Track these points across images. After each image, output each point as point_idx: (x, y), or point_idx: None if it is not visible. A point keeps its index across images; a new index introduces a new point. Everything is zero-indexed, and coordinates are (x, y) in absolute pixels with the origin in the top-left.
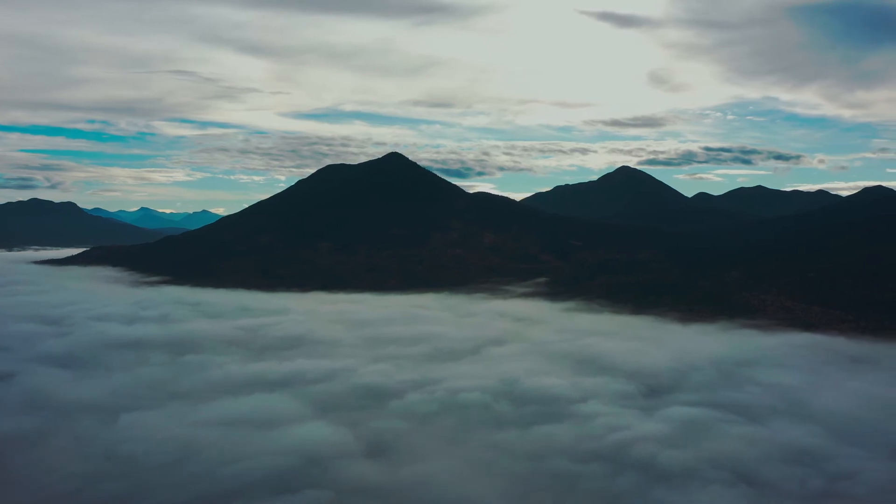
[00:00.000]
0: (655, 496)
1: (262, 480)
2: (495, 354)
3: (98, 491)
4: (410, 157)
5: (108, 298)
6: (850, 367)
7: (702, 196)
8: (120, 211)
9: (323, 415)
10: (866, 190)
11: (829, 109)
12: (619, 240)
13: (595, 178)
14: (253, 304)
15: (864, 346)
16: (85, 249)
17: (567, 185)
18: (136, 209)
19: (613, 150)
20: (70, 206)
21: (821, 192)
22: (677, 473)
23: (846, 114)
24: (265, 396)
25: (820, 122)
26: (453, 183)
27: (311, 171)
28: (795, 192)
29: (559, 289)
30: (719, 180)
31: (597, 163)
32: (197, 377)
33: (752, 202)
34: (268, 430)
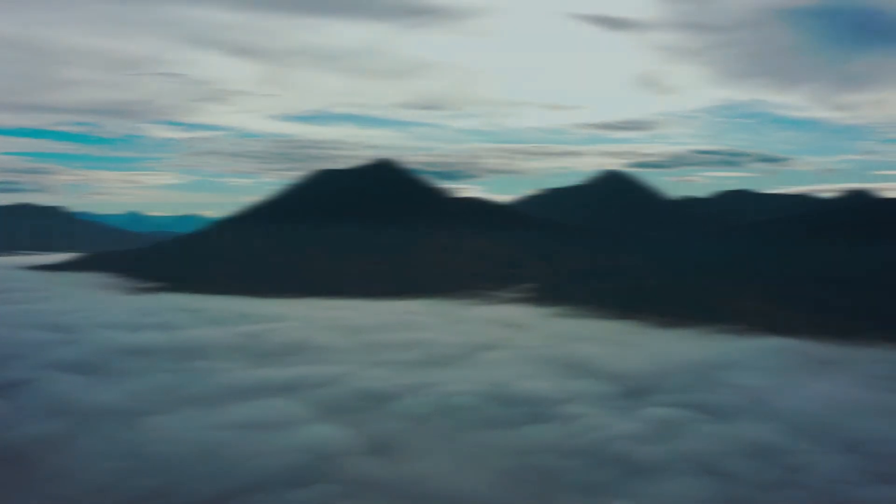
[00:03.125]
0: (629, 486)
1: (277, 476)
2: (485, 359)
3: (134, 485)
4: (401, 160)
5: (110, 305)
6: (816, 370)
7: (688, 199)
8: (108, 214)
9: (327, 417)
10: (847, 193)
11: (816, 112)
12: (606, 244)
13: (585, 180)
14: (250, 311)
15: (833, 349)
16: (75, 254)
17: (555, 189)
18: (124, 212)
19: (603, 153)
20: (58, 210)
21: (804, 196)
22: (650, 467)
23: (833, 116)
24: (272, 400)
25: (807, 125)
26: (443, 186)
27: (302, 174)
28: (780, 194)
29: (546, 294)
30: (707, 183)
31: (587, 165)
32: (206, 382)
33: (737, 205)
34: (278, 431)
